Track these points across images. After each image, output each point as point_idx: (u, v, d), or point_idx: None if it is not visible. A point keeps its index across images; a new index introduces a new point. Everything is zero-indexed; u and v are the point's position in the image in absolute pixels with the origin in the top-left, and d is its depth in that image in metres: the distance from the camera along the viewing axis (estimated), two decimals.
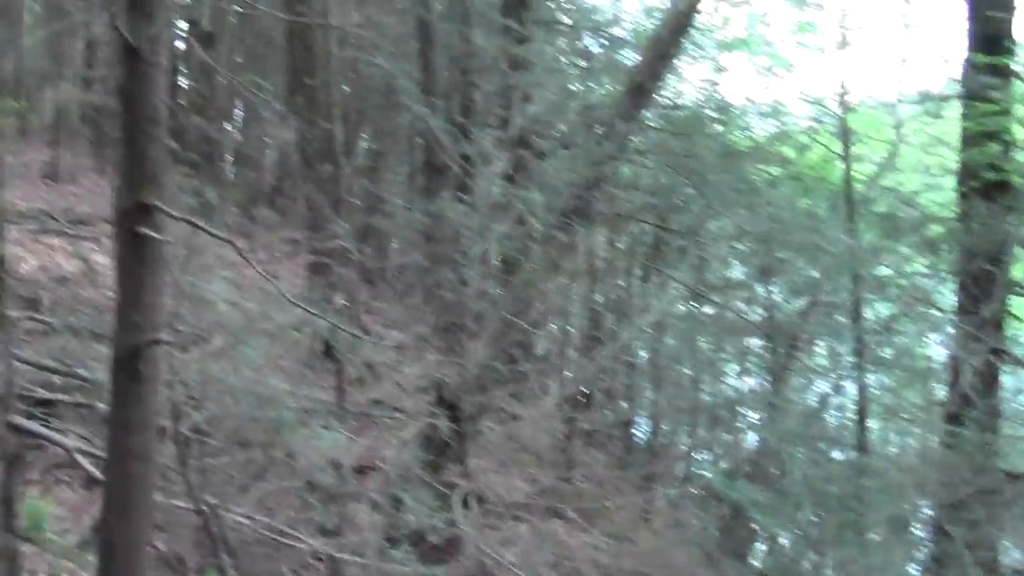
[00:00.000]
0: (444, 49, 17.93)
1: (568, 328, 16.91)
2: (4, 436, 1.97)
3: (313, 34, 15.04)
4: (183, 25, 20.84)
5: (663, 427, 17.98)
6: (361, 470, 10.32)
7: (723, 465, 16.43)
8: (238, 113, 25.94)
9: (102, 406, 9.44)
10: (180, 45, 22.12)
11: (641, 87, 11.34)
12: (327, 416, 9.78)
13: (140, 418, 4.67)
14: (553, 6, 18.85)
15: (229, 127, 24.41)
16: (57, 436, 8.86)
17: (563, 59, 17.69)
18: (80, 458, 8.63)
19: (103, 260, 13.52)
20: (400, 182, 21.92)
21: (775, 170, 15.94)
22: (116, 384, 4.67)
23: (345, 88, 18.98)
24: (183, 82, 22.67)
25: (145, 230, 4.50)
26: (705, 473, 16.64)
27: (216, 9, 16.81)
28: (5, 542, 1.95)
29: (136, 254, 4.56)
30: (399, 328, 15.43)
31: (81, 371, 9.97)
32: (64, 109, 21.48)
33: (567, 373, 15.07)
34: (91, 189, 19.25)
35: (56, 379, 9.95)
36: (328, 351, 11.68)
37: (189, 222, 4.96)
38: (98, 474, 8.13)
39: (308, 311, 7.40)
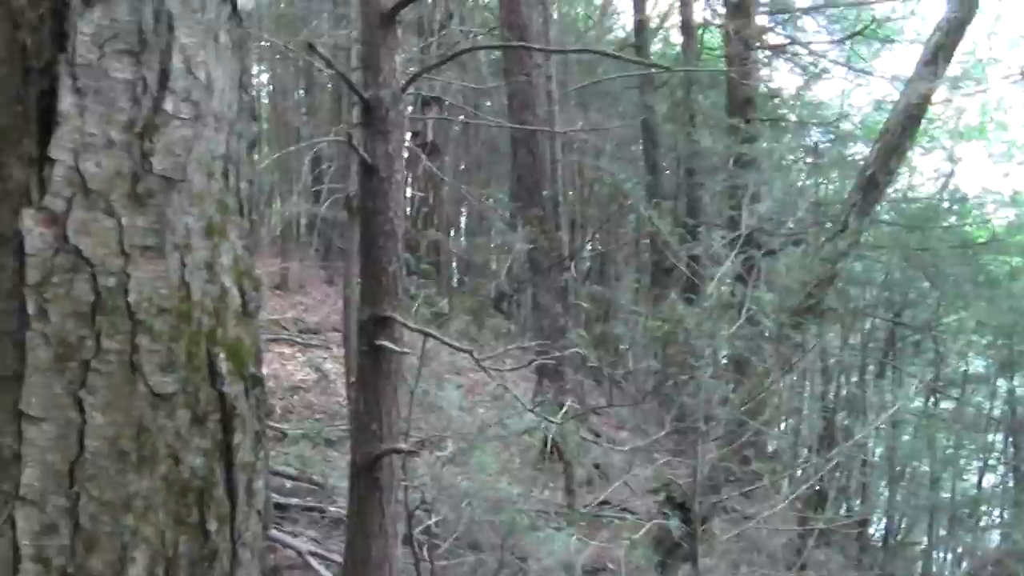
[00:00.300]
0: (669, 150, 18.07)
1: (801, 426, 16.64)
2: (264, 551, 2.09)
3: (538, 141, 15.30)
4: (407, 136, 21.51)
5: (900, 525, 17.53)
6: (592, 572, 10.31)
7: (964, 566, 15.87)
8: (464, 221, 26.50)
9: (333, 510, 9.74)
10: (404, 155, 22.74)
11: (873, 181, 11.23)
12: (557, 518, 9.84)
13: (378, 525, 4.82)
14: (779, 103, 18.86)
15: (455, 235, 24.94)
16: (289, 539, 9.14)
17: (791, 156, 17.63)
18: (312, 560, 8.87)
19: (333, 368, 13.96)
20: (628, 285, 22.01)
21: (1015, 260, 15.48)
22: (355, 491, 4.84)
23: (571, 192, 19.24)
24: (409, 192, 23.31)
25: (384, 342, 4.68)
26: (945, 574, 16.12)
27: (440, 120, 17.32)
28: None
29: (375, 365, 4.74)
30: (629, 430, 15.42)
31: (313, 476, 10.28)
32: (292, 221, 22.30)
33: (800, 471, 14.80)
34: (319, 299, 19.88)
35: (288, 483, 10.28)
36: (558, 454, 11.77)
37: (426, 333, 5.13)
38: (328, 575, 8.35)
39: (542, 416, 7.50)
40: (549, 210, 14.97)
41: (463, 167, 25.36)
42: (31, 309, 1.81)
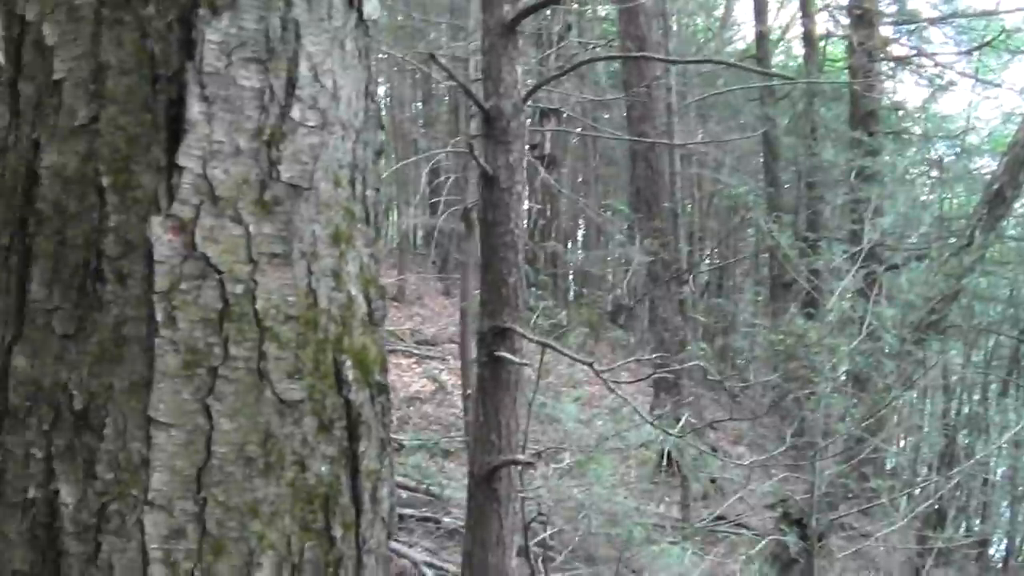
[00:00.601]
0: (790, 164, 17.90)
1: (921, 444, 16.39)
2: (387, 558, 2.09)
3: (657, 153, 15.25)
4: (526, 149, 21.57)
5: (1021, 546, 17.22)
6: None
7: None
8: (581, 234, 26.52)
9: (448, 521, 9.78)
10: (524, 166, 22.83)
11: (1000, 195, 11.04)
12: (673, 532, 9.78)
13: (495, 536, 4.82)
14: (903, 116, 18.58)
15: (571, 247, 24.95)
16: (405, 549, 9.20)
17: (914, 169, 17.39)
18: (427, 571, 8.92)
19: (450, 380, 14.03)
20: (746, 299, 21.87)
21: None
22: (473, 502, 4.84)
23: (689, 205, 19.15)
24: (526, 204, 23.37)
25: (503, 353, 4.68)
26: None
27: (558, 132, 17.35)
28: None
29: (494, 376, 4.74)
30: (747, 444, 15.28)
31: (430, 487, 10.35)
32: (410, 233, 22.49)
33: (919, 489, 14.58)
34: (436, 311, 20.01)
35: (404, 494, 10.36)
36: (675, 468, 11.71)
37: (545, 344, 5.11)
38: None
39: (660, 428, 7.45)
40: (668, 222, 14.90)
41: (581, 179, 25.39)
42: (159, 316, 1.82)
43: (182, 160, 1.85)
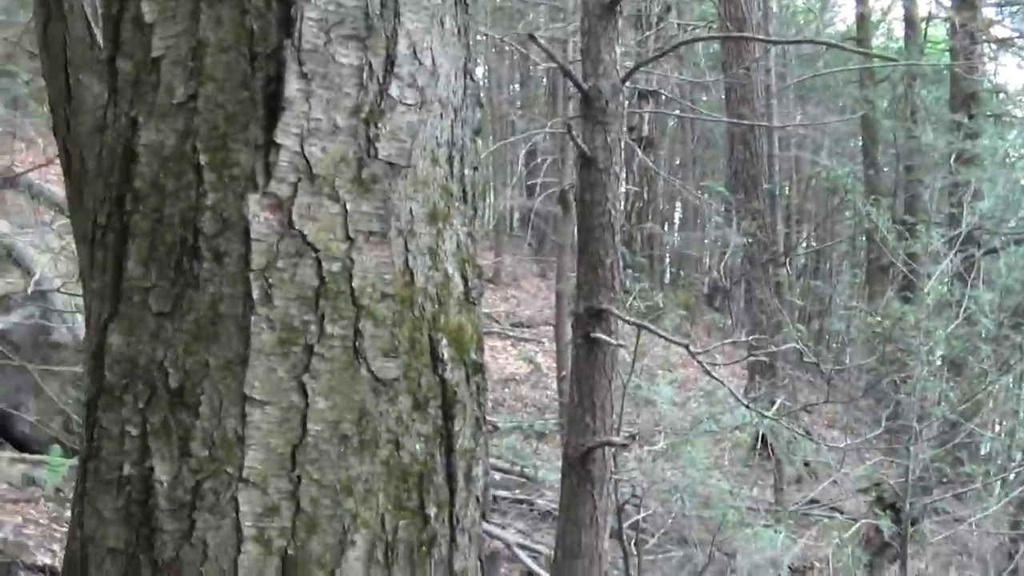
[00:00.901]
0: (889, 146, 17.66)
1: (1016, 429, 16.16)
2: (480, 537, 2.08)
3: (755, 135, 15.11)
4: (624, 130, 21.49)
5: None
6: (799, 570, 10.17)
7: None
8: (678, 216, 26.37)
9: (542, 503, 9.79)
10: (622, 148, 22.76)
11: None
12: (766, 515, 9.71)
13: (589, 517, 4.80)
14: (1005, 98, 18.25)
15: (668, 229, 24.83)
16: (498, 530, 9.22)
17: (1015, 153, 17.08)
18: (519, 552, 8.93)
19: (544, 362, 14.03)
20: (844, 281, 21.63)
21: None
22: (567, 483, 4.83)
23: (787, 188, 18.96)
24: (623, 186, 23.26)
25: (599, 334, 4.65)
26: None
27: (656, 114, 17.23)
28: None
29: (589, 357, 4.72)
30: (841, 428, 15.13)
31: (524, 468, 10.36)
32: (506, 215, 22.49)
33: (1014, 475, 14.39)
34: (532, 293, 20.01)
35: (498, 476, 10.38)
36: (769, 451, 11.62)
37: (641, 326, 5.08)
38: (535, 568, 8.39)
39: (755, 411, 7.39)
40: (766, 204, 14.76)
41: (679, 162, 25.24)
42: (256, 294, 1.82)
43: (279, 138, 1.84)
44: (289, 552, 1.81)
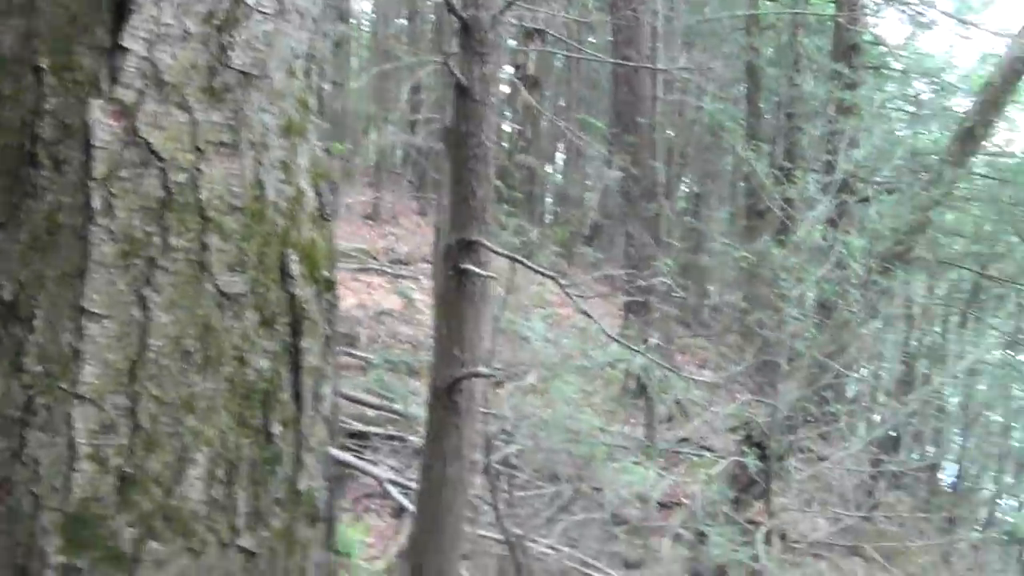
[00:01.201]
0: (771, 94, 17.85)
1: (881, 371, 16.68)
2: (328, 458, 2.04)
3: (640, 77, 15.13)
4: (508, 69, 21.40)
5: (970, 472, 17.72)
6: (666, 505, 10.33)
7: None
8: (560, 156, 26.41)
9: (414, 439, 9.77)
10: (505, 89, 22.70)
11: (971, 133, 11.07)
12: (636, 452, 9.83)
13: (455, 448, 4.79)
14: (884, 51, 18.52)
15: (551, 169, 24.87)
16: (369, 467, 9.19)
17: (891, 104, 17.41)
18: (390, 488, 8.92)
19: (421, 299, 13.98)
20: (721, 224, 21.93)
21: None
22: (433, 415, 4.81)
23: (669, 132, 19.07)
24: (507, 126, 23.20)
25: (469, 266, 4.62)
26: (1009, 519, 16.22)
27: (542, 54, 17.16)
28: (325, 558, 2.01)
29: (459, 288, 4.68)
30: (712, 367, 15.37)
31: (395, 405, 10.31)
32: (387, 151, 22.31)
33: (877, 416, 14.85)
34: (411, 230, 19.91)
35: (370, 412, 10.31)
36: (640, 389, 11.74)
37: (512, 258, 5.06)
38: (408, 504, 8.39)
39: (627, 346, 7.43)
40: (645, 139, 14.80)
41: (562, 103, 25.21)
42: (96, 204, 1.75)
43: (127, 42, 1.77)
44: (126, 471, 1.74)
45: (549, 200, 25.11)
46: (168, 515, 1.78)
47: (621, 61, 14.87)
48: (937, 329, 18.68)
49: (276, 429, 1.89)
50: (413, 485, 8.87)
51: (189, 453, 1.79)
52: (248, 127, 1.87)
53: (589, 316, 5.49)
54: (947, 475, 17.63)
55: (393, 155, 24.21)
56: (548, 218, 23.41)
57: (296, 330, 1.93)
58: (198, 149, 1.81)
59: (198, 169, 1.81)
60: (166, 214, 1.78)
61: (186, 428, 1.79)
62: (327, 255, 2.02)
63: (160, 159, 1.78)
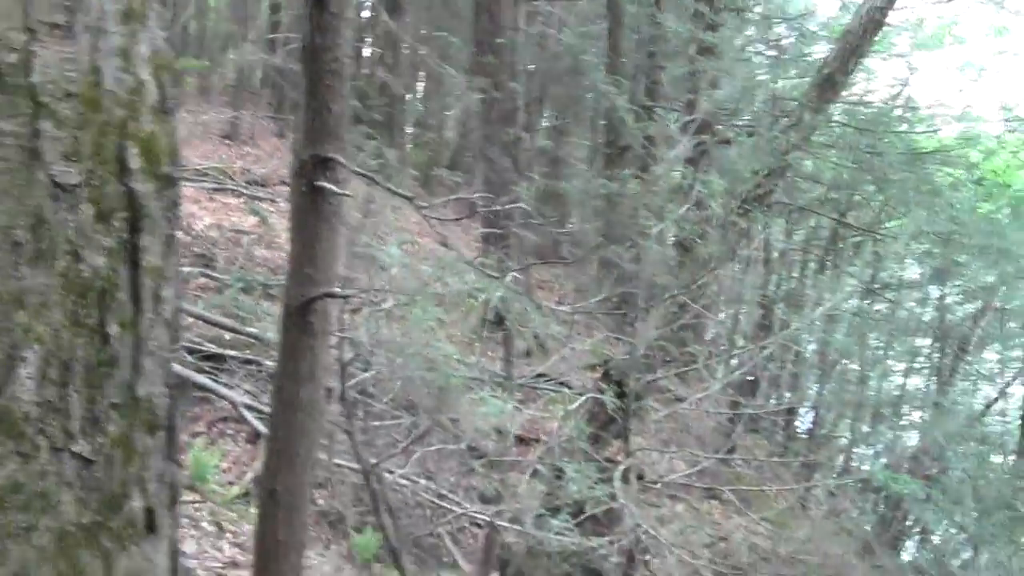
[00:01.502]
0: (633, 30, 17.87)
1: (739, 314, 16.89)
2: (169, 363, 1.95)
3: (501, 7, 15.02)
4: None
5: (826, 418, 18.06)
6: (524, 440, 10.36)
7: (883, 460, 16.40)
8: (420, 85, 26.20)
9: (270, 363, 9.63)
10: (366, 14, 22.43)
11: (830, 80, 11.17)
12: (493, 385, 9.81)
13: (308, 370, 4.69)
14: None
15: (411, 95, 24.65)
16: (224, 390, 9.04)
17: (752, 48, 17.58)
18: (246, 413, 8.80)
19: (278, 221, 13.75)
20: (581, 159, 21.98)
21: (958, 173, 15.73)
22: (286, 335, 4.70)
23: (531, 65, 19.01)
24: (368, 50, 22.95)
25: (323, 183, 4.51)
26: (865, 466, 16.61)
27: None
28: (166, 468, 1.92)
29: (313, 206, 4.57)
30: (570, 302, 15.41)
31: (251, 328, 10.15)
32: (246, 71, 21.89)
33: (735, 359, 15.03)
34: (269, 151, 19.57)
35: (226, 335, 10.13)
36: (498, 321, 11.72)
37: (368, 177, 4.96)
38: (263, 429, 8.28)
39: (485, 273, 7.39)
40: (506, 67, 14.71)
41: (423, 32, 24.97)
42: None
43: None
44: None
45: (409, 130, 24.87)
46: None
47: None
48: (795, 275, 18.98)
49: (113, 330, 1.80)
50: (269, 409, 8.75)
51: (19, 351, 1.69)
52: (84, 9, 1.76)
53: (446, 241, 5.44)
54: (803, 421, 17.99)
55: (252, 75, 23.74)
56: (408, 147, 23.18)
57: (135, 227, 1.83)
58: (30, 29, 1.70)
59: (29, 50, 1.70)
60: None
61: (16, 324, 1.68)
62: (169, 150, 1.92)
63: None
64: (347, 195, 4.62)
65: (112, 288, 1.79)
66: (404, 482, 8.60)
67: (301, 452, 4.84)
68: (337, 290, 4.72)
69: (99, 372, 1.78)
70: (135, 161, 1.81)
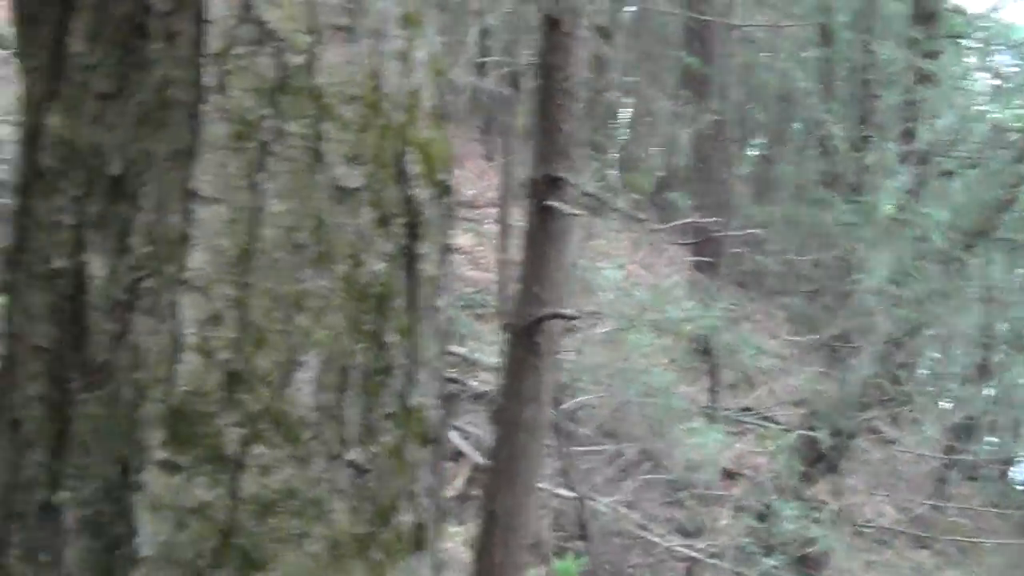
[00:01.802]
0: (846, 57, 17.55)
1: (958, 354, 16.26)
2: (441, 374, 1.91)
3: (712, 33, 14.92)
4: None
5: None
6: (730, 474, 10.17)
7: None
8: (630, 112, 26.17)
9: (475, 384, 9.66)
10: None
11: None
12: (699, 417, 9.67)
13: (533, 391, 4.66)
14: (964, 21, 18.13)
15: (619, 120, 24.64)
16: None
17: (972, 76, 17.05)
18: (450, 432, 8.84)
19: (487, 241, 13.83)
20: (791, 186, 21.62)
21: None
22: (512, 354, 4.68)
23: (742, 91, 18.83)
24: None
25: (553, 203, 4.49)
26: None
27: (612, 5, 16.95)
28: (435, 483, 1.88)
29: (543, 226, 4.55)
30: (781, 337, 15.13)
31: (457, 349, 10.21)
32: (454, 95, 22.15)
33: (949, 401, 14.49)
34: (477, 173, 19.75)
35: None
36: (705, 351, 11.57)
37: (600, 197, 4.93)
38: (464, 447, 8.30)
39: (705, 305, 7.29)
40: (716, 86, 14.62)
41: (632, 57, 24.98)
42: (209, 80, 1.63)
43: None
44: (234, 366, 1.63)
45: (615, 155, 24.84)
46: (275, 419, 1.66)
47: (694, 15, 14.69)
48: (1021, 314, 18.26)
49: (390, 338, 1.76)
50: (470, 430, 8.78)
51: (299, 354, 1.67)
52: (365, 12, 1.74)
53: (671, 267, 5.35)
54: (1018, 471, 17.19)
55: (460, 99, 24.05)
56: (615, 174, 23.15)
57: (413, 233, 1.80)
58: (315, 32, 1.69)
59: (314, 52, 1.68)
60: (280, 97, 1.66)
61: (296, 327, 1.67)
62: (445, 157, 1.89)
63: (275, 38, 1.66)
64: (577, 214, 4.59)
65: (391, 295, 1.77)
66: (605, 510, 8.52)
67: (522, 473, 4.81)
68: (566, 311, 4.70)
69: (375, 380, 1.75)
70: (414, 166, 1.79)
